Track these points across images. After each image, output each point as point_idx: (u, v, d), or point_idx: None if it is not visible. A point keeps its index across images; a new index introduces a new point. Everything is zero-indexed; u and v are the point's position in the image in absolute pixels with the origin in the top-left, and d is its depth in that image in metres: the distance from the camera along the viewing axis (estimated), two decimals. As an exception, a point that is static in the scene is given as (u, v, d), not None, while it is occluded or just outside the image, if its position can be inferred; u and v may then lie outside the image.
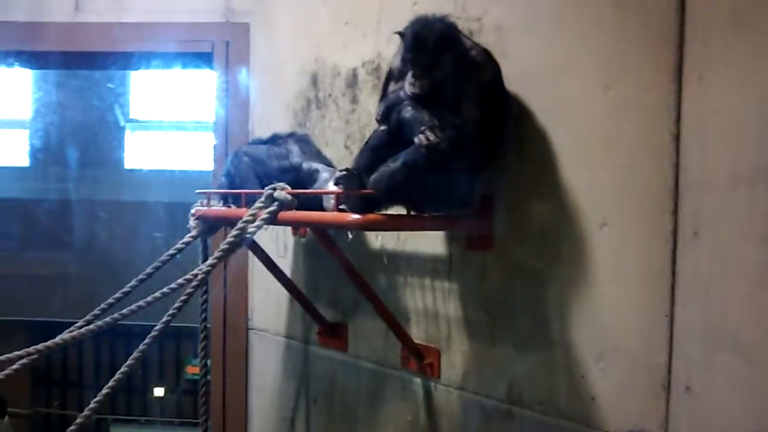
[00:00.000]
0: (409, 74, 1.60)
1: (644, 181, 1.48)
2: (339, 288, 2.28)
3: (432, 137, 1.54)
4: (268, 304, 2.67)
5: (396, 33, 1.63)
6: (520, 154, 1.70)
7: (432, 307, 1.97)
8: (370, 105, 2.13)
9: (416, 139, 1.56)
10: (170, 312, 1.88)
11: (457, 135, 1.57)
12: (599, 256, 1.57)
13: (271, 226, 1.91)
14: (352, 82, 2.22)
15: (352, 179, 1.62)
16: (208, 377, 2.50)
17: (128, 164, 5.13)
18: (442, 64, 1.57)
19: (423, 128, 1.55)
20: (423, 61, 1.56)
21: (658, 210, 1.45)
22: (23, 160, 5.44)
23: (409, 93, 1.60)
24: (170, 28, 2.73)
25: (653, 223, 1.46)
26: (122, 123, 5.07)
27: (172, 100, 4.98)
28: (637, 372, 1.50)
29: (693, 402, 1.38)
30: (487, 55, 1.63)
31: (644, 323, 1.49)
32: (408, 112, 1.61)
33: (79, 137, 5.08)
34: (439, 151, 1.55)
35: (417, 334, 2.00)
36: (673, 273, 1.44)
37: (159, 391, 6.71)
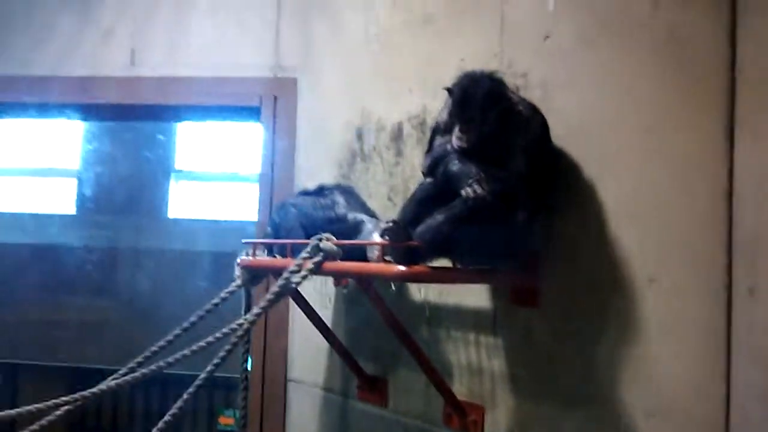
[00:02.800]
0: (456, 128, 1.62)
1: (695, 236, 1.46)
2: (380, 341, 2.26)
3: (479, 190, 1.55)
4: (307, 355, 2.66)
5: (444, 89, 1.66)
6: (568, 208, 1.69)
7: (476, 363, 1.94)
8: (415, 158, 2.15)
9: (463, 192, 1.57)
10: (215, 360, 1.89)
11: (503, 188, 1.58)
12: (649, 312, 1.54)
13: (315, 277, 1.92)
14: (397, 135, 2.25)
15: (398, 231, 1.63)
16: (247, 429, 2.48)
17: (171, 213, 5.24)
18: (490, 118, 1.58)
19: (470, 181, 1.56)
20: (471, 116, 1.58)
21: (710, 265, 1.43)
22: (70, 208, 5.59)
23: (456, 147, 1.62)
24: (221, 83, 2.82)
25: (706, 278, 1.44)
26: (167, 174, 5.20)
27: (217, 152, 5.10)
28: (691, 431, 1.46)
29: (753, 466, 1.33)
30: (534, 109, 1.65)
31: (698, 381, 1.45)
32: (455, 165, 1.63)
33: (125, 186, 5.22)
34: (486, 203, 1.55)
35: (460, 390, 1.96)
36: (728, 330, 1.40)
37: (191, 441, 6.66)
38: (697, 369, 1.45)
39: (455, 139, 1.62)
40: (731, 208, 1.40)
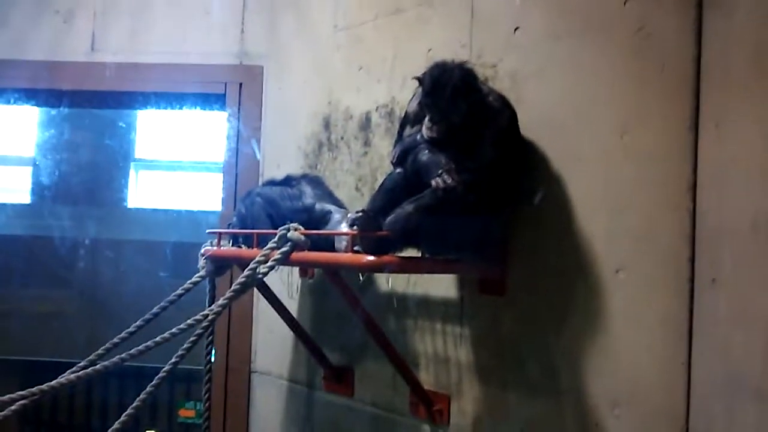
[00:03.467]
0: (427, 119, 1.62)
1: (660, 228, 1.48)
2: (345, 331, 2.26)
3: (449, 180, 1.55)
4: (272, 347, 2.64)
5: (414, 78, 1.65)
6: (535, 199, 1.71)
7: (442, 352, 1.94)
8: (383, 148, 2.14)
9: (433, 182, 1.57)
10: (179, 353, 1.86)
11: (473, 179, 1.58)
12: (614, 303, 1.56)
13: (280, 268, 1.90)
14: (365, 125, 2.24)
15: (367, 221, 1.63)
16: (210, 421, 2.45)
17: (131, 203, 5.12)
18: (460, 109, 1.59)
19: (440, 171, 1.57)
20: (441, 106, 1.58)
21: (674, 257, 1.46)
22: (25, 198, 5.42)
23: (426, 137, 1.62)
24: (184, 69, 2.77)
25: (670, 269, 1.46)
26: (127, 162, 5.09)
27: (178, 140, 5.01)
28: (654, 421, 1.48)
29: (713, 453, 1.36)
30: (503, 100, 1.66)
31: (661, 371, 1.47)
32: (425, 155, 1.62)
33: (83, 175, 5.08)
34: (456, 194, 1.56)
35: (426, 379, 1.97)
36: (691, 320, 1.43)
37: (150, 435, 6.57)
38: (660, 359, 1.48)
39: (425, 129, 1.62)
40: (695, 200, 1.42)
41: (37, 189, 5.20)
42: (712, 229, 1.39)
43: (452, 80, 1.58)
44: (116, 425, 1.76)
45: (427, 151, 1.62)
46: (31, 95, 2.99)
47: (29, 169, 5.31)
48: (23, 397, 1.76)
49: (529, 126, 1.70)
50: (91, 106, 3.16)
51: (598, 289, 1.58)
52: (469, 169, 1.58)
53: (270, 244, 1.77)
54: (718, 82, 1.39)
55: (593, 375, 1.59)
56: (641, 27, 1.52)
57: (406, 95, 1.95)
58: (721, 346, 1.37)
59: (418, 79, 1.65)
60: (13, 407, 1.81)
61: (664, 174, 1.47)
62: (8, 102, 3.06)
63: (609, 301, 1.57)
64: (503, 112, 1.65)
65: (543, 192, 1.66)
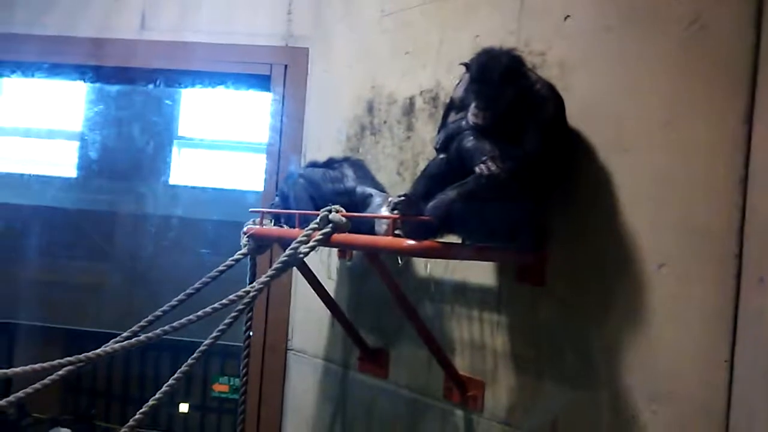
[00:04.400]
0: (473, 105, 1.61)
1: (707, 222, 1.46)
2: (382, 314, 2.27)
3: (493, 167, 1.55)
4: (309, 326, 2.68)
5: (461, 64, 1.65)
6: (580, 189, 1.69)
7: (478, 339, 1.95)
8: (426, 133, 2.14)
9: (477, 169, 1.57)
10: (219, 329, 1.89)
11: (517, 167, 1.57)
12: (656, 298, 1.55)
13: (320, 248, 1.92)
14: (409, 110, 2.24)
15: (409, 205, 1.63)
16: (246, 396, 2.49)
17: (173, 180, 5.21)
18: (507, 96, 1.58)
19: (484, 158, 1.56)
20: (488, 92, 1.58)
21: (721, 253, 1.43)
22: (71, 171, 5.56)
23: (471, 123, 1.61)
24: (231, 50, 2.80)
25: (715, 265, 1.44)
26: (170, 139, 5.16)
27: (222, 119, 5.07)
28: (693, 417, 1.47)
29: (752, 452, 1.35)
30: (551, 89, 1.64)
31: (702, 368, 1.46)
32: (469, 141, 1.62)
33: (128, 151, 5.18)
34: (499, 181, 1.55)
35: (461, 365, 1.98)
36: (735, 318, 1.41)
37: (184, 407, 6.72)
38: (702, 356, 1.46)
39: (471, 116, 1.61)
40: (745, 195, 1.40)
41: (84, 163, 5.32)
42: (762, 225, 1.36)
43: (500, 67, 1.57)
44: (155, 398, 1.80)
45: (471, 138, 1.61)
46: (81, 71, 3.06)
47: (76, 144, 5.44)
48: (71, 363, 1.81)
49: (575, 115, 1.68)
50: (138, 84, 3.22)
51: (640, 283, 1.57)
52: (514, 156, 1.58)
53: (312, 225, 1.79)
54: (776, 76, 1.36)
55: (631, 369, 1.58)
56: (696, 18, 1.49)
57: (450, 81, 1.94)
58: (767, 346, 1.34)
59: (466, 65, 1.64)
60: (60, 372, 1.87)
61: (713, 167, 1.45)
62: (59, 77, 3.14)
63: (651, 296, 1.55)
64: (551, 100, 1.63)
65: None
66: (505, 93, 1.58)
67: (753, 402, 1.36)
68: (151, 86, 3.05)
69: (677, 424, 1.49)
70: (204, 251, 4.62)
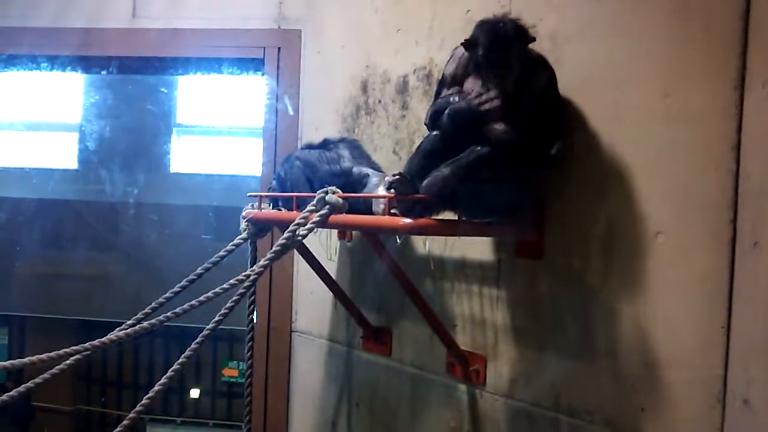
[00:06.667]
0: (479, 86, 1.59)
1: (702, 190, 1.46)
2: (384, 292, 2.29)
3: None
4: (312, 308, 2.70)
5: (463, 43, 1.62)
6: (575, 160, 1.69)
7: (479, 314, 1.96)
8: (420, 111, 2.14)
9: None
10: (221, 313, 1.91)
11: (509, 140, 1.57)
12: (653, 266, 1.55)
13: (319, 230, 1.93)
14: (403, 88, 2.24)
15: (404, 184, 1.63)
16: (252, 379, 2.52)
17: (174, 168, 5.23)
18: (518, 60, 1.55)
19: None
20: (504, 61, 1.55)
21: (716, 219, 1.44)
22: (72, 163, 5.57)
23: (481, 109, 1.59)
24: (223, 34, 2.79)
25: (710, 232, 1.45)
26: (169, 127, 5.17)
27: (219, 105, 5.07)
28: (691, 384, 1.48)
29: (751, 417, 1.36)
30: (542, 61, 1.63)
31: (699, 334, 1.47)
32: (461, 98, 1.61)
33: (127, 141, 5.20)
34: (492, 155, 1.55)
35: (463, 340, 2.00)
36: (731, 284, 1.42)
37: (195, 393, 6.79)
38: (699, 323, 1.47)
39: (492, 87, 1.58)
40: (738, 161, 1.40)
41: (84, 154, 5.33)
42: (756, 191, 1.36)
43: (511, 35, 1.55)
44: (161, 383, 1.83)
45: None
46: (75, 62, 3.05)
47: (75, 135, 5.45)
48: (76, 352, 1.83)
49: (569, 87, 1.68)
50: (132, 72, 3.22)
51: (637, 252, 1.57)
52: (506, 130, 1.57)
53: (309, 207, 1.80)
54: (766, 40, 1.35)
55: (630, 337, 1.59)
56: (686, -17, 1.48)
57: (443, 57, 1.93)
58: (763, 311, 1.35)
59: (468, 42, 1.61)
60: (67, 361, 1.90)
61: (706, 134, 1.45)
62: (53, 68, 3.13)
63: (648, 264, 1.56)
64: (542, 72, 1.62)
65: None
66: (517, 56, 1.56)
67: (750, 367, 1.37)
68: (144, 75, 3.05)
69: (676, 391, 1.51)
70: (208, 237, 4.65)
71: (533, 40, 1.59)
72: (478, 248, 1.95)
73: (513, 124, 1.54)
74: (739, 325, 1.41)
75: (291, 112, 2.71)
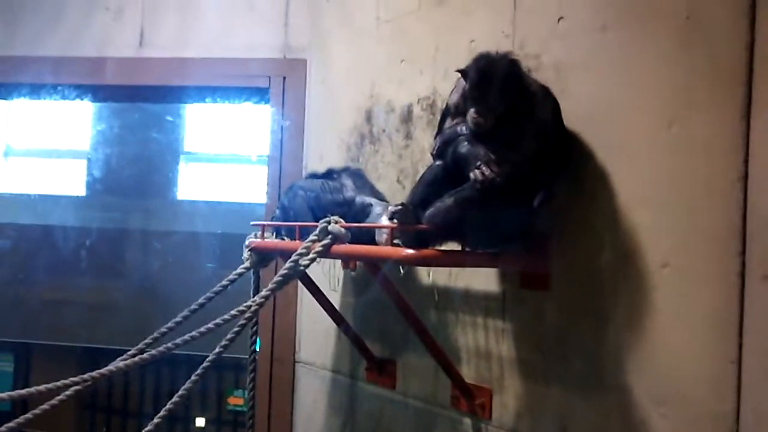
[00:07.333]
0: (472, 110, 1.59)
1: (709, 221, 1.44)
2: (388, 324, 2.26)
3: (488, 172, 1.53)
4: (315, 338, 2.67)
5: (458, 71, 1.63)
6: (579, 192, 1.67)
7: (484, 346, 1.93)
8: (424, 141, 2.13)
9: (472, 174, 1.55)
10: (224, 342, 1.89)
11: (513, 171, 1.56)
12: (660, 299, 1.52)
13: (323, 260, 1.92)
14: (407, 117, 2.24)
15: (407, 214, 1.62)
16: (255, 409, 2.49)
17: (181, 195, 5.23)
18: (506, 100, 1.56)
19: (479, 163, 1.55)
20: (488, 98, 1.56)
21: (723, 251, 1.41)
22: (80, 190, 5.59)
23: (472, 127, 1.60)
24: (229, 64, 2.81)
25: (718, 264, 1.42)
26: (176, 155, 5.18)
27: (225, 133, 5.09)
28: (701, 420, 1.44)
29: (764, 455, 1.32)
30: (546, 91, 1.63)
31: (709, 369, 1.43)
32: (464, 147, 1.61)
33: (135, 168, 5.21)
34: (495, 186, 1.54)
35: (468, 373, 1.96)
36: (741, 317, 1.38)
37: (200, 421, 6.74)
38: (709, 357, 1.43)
39: (470, 120, 1.60)
40: (746, 192, 1.37)
41: (92, 182, 5.35)
42: (764, 222, 1.34)
43: (500, 72, 1.56)
44: (162, 412, 1.80)
45: (466, 143, 1.60)
46: (83, 91, 3.08)
47: (84, 163, 5.48)
48: (75, 383, 1.82)
49: (573, 117, 1.67)
50: (139, 101, 3.25)
51: (644, 284, 1.54)
52: (510, 161, 1.56)
53: (311, 237, 1.79)
54: (772, 70, 1.33)
55: (638, 372, 1.55)
56: (689, 15, 1.47)
57: (447, 87, 1.93)
58: (773, 345, 1.32)
59: (462, 71, 1.62)
60: (67, 392, 1.88)
61: (713, 165, 1.43)
62: (62, 97, 3.16)
63: (655, 297, 1.53)
64: (546, 102, 1.62)
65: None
66: (504, 97, 1.56)
67: (762, 402, 1.33)
68: (151, 103, 3.07)
69: (686, 427, 1.47)
70: (215, 265, 4.63)
71: (522, 81, 1.59)
72: (483, 279, 1.93)
73: (505, 161, 1.53)
74: (750, 360, 1.37)
75: (295, 142, 2.72)
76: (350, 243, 1.77)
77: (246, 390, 2.34)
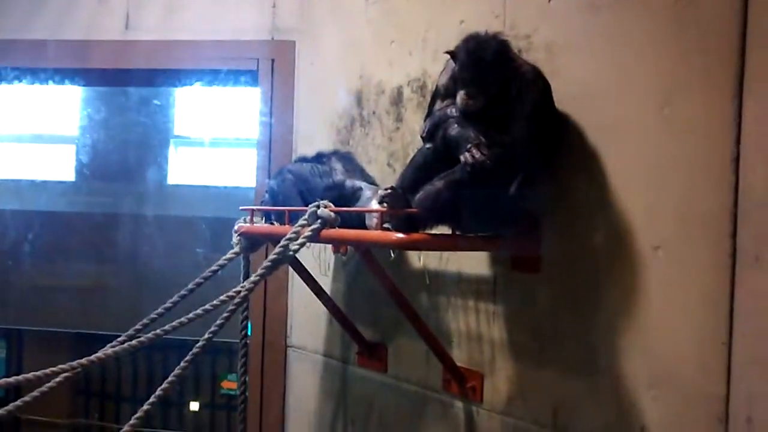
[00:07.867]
0: (461, 92, 1.57)
1: (701, 203, 1.43)
2: (379, 308, 2.25)
3: (478, 155, 1.52)
4: (307, 322, 2.66)
5: (447, 52, 1.61)
6: (572, 173, 1.66)
7: (475, 330, 1.93)
8: (415, 123, 2.11)
9: (462, 157, 1.54)
10: (213, 328, 1.88)
11: (503, 153, 1.54)
12: (652, 281, 1.51)
13: (313, 244, 1.90)
14: (397, 100, 2.21)
15: (396, 198, 1.61)
16: (247, 393, 2.48)
17: (171, 180, 5.20)
18: (496, 81, 1.54)
19: (469, 146, 1.53)
20: (477, 79, 1.54)
21: (716, 233, 1.40)
22: (69, 175, 5.55)
23: (461, 109, 1.58)
24: (217, 46, 2.77)
25: (711, 246, 1.41)
26: (166, 139, 5.15)
27: (215, 117, 5.05)
28: (692, 402, 1.44)
29: (754, 435, 1.32)
30: (537, 72, 1.60)
31: (700, 351, 1.43)
32: (454, 129, 1.59)
33: (124, 153, 5.17)
34: (485, 169, 1.52)
35: (459, 356, 1.96)
36: (732, 299, 1.38)
37: (194, 406, 6.75)
38: (700, 339, 1.43)
39: (460, 102, 1.58)
40: (738, 174, 1.36)
41: (81, 167, 5.31)
42: (756, 204, 1.33)
43: (489, 52, 1.54)
44: (152, 398, 1.80)
45: (456, 126, 1.58)
46: (69, 75, 3.04)
47: (73, 148, 5.43)
48: (65, 370, 1.81)
49: (564, 99, 1.65)
50: (126, 85, 3.21)
51: (636, 266, 1.54)
52: (500, 143, 1.54)
53: (300, 221, 1.77)
54: (764, 49, 1.31)
55: (630, 355, 1.55)
56: (682, -7, 1.45)
57: (437, 68, 1.90)
58: (765, 326, 1.31)
59: (452, 53, 1.60)
60: (57, 379, 1.87)
61: (705, 147, 1.41)
62: (48, 81, 3.12)
63: (647, 279, 1.52)
64: (537, 83, 1.59)
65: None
66: (494, 78, 1.54)
67: (752, 384, 1.33)
68: (138, 87, 3.03)
69: (677, 409, 1.47)
70: (206, 249, 4.61)
71: (512, 62, 1.57)
72: (474, 262, 1.92)
73: (495, 143, 1.52)
74: (741, 341, 1.37)
75: (284, 125, 2.69)
76: (340, 227, 1.75)
77: (237, 374, 2.34)
